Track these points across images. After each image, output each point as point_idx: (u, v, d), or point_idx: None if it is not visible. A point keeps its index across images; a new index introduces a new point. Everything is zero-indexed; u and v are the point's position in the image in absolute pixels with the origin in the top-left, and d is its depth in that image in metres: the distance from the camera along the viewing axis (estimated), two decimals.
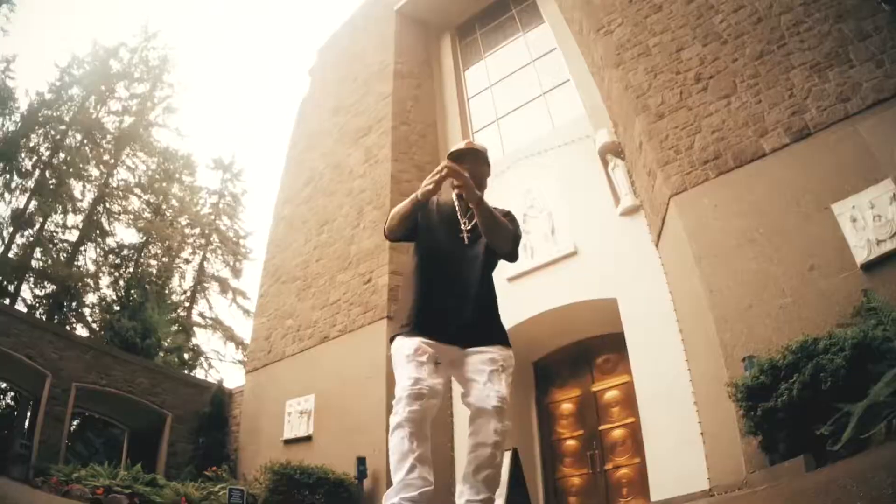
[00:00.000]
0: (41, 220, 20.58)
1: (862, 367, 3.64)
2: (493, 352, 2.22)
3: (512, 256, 2.41)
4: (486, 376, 2.14)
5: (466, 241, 2.41)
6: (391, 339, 2.28)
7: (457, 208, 2.50)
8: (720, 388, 5.01)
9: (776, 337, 4.85)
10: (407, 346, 2.16)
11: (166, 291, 23.36)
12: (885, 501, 1.58)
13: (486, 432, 2.07)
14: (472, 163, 2.49)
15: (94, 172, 22.49)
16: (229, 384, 13.04)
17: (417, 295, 2.32)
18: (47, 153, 20.96)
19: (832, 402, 3.50)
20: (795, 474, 3.65)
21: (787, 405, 3.86)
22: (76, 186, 21.75)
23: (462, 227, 2.43)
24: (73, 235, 21.62)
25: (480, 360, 2.20)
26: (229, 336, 24.77)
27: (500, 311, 2.46)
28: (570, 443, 8.28)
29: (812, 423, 3.64)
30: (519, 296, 7.99)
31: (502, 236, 2.34)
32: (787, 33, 6.17)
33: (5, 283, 19.33)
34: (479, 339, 2.25)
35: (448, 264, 2.34)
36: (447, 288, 2.29)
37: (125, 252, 23.11)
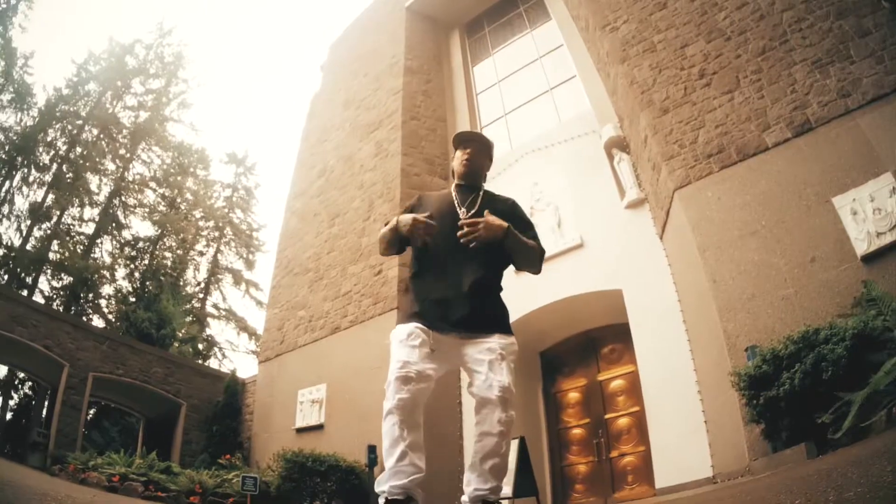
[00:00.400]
0: (58, 213, 20.88)
1: (862, 356, 3.69)
2: (492, 341, 2.17)
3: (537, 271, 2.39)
4: (486, 366, 2.11)
5: None
6: None
7: (455, 199, 2.44)
8: (723, 377, 5.08)
9: (778, 327, 4.92)
10: (402, 331, 2.16)
11: (181, 283, 23.64)
12: (886, 488, 1.58)
13: (490, 422, 2.05)
14: (476, 151, 2.53)
15: (111, 166, 22.90)
16: (242, 374, 13.06)
17: (416, 287, 2.33)
18: (64, 148, 21.27)
19: (833, 391, 3.57)
20: (797, 462, 3.72)
21: (789, 394, 3.91)
22: (93, 180, 22.12)
23: (461, 217, 2.33)
24: (89, 228, 22.00)
25: (479, 349, 2.16)
26: (242, 327, 25.10)
27: (507, 303, 2.40)
28: (577, 431, 8.38)
29: (813, 412, 3.70)
30: (525, 287, 8.02)
31: (533, 264, 2.34)
32: (789, 30, 6.21)
33: (23, 274, 19.64)
34: (477, 329, 2.20)
35: (446, 255, 2.28)
36: (445, 279, 2.24)
37: (140, 244, 23.44)
